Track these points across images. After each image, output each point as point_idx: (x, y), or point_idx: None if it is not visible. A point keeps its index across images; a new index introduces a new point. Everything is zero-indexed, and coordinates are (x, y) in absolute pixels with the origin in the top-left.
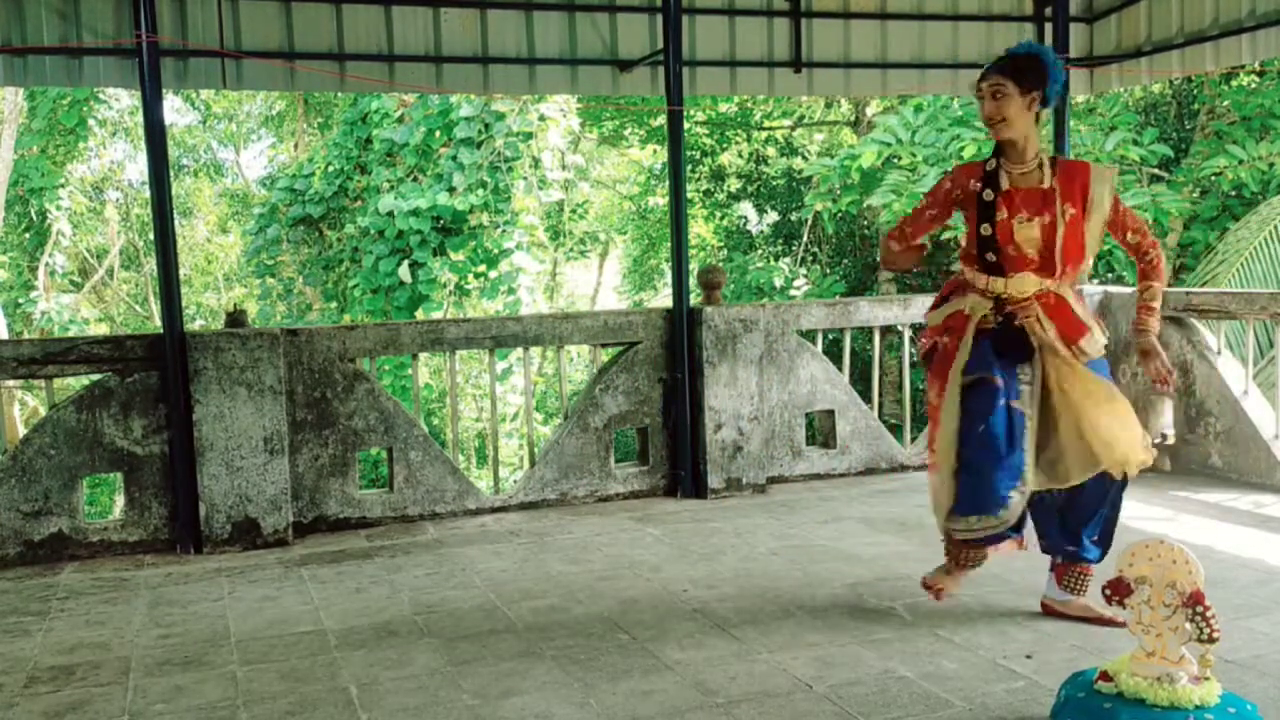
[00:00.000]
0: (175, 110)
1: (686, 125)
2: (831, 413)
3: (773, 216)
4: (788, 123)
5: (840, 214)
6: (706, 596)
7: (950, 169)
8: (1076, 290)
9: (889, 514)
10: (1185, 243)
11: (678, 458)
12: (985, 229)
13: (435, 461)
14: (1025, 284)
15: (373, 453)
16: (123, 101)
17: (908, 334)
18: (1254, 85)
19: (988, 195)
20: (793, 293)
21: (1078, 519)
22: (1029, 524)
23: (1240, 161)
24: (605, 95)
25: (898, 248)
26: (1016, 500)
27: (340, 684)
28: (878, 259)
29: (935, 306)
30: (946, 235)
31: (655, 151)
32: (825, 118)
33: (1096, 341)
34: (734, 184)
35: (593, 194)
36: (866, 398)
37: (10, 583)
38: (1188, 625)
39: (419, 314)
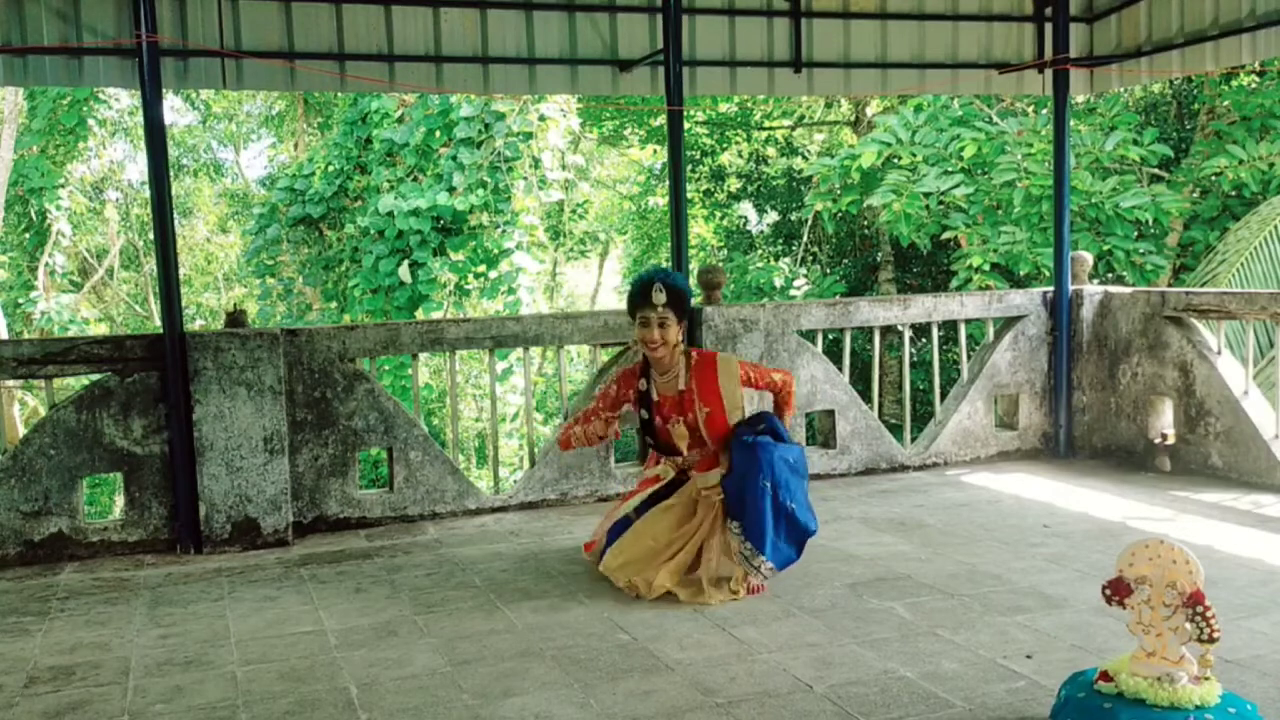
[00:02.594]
0: (175, 110)
1: (686, 125)
2: (831, 413)
3: (773, 216)
4: (788, 123)
5: (840, 214)
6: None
7: (617, 372)
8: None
9: (889, 514)
10: (1185, 243)
11: None
12: (649, 439)
13: (435, 461)
14: (691, 457)
15: (373, 453)
16: (123, 101)
17: (908, 334)
18: (1254, 85)
19: (644, 414)
20: (793, 293)
21: None
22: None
23: (1240, 161)
24: (605, 95)
25: (567, 444)
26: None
27: (340, 684)
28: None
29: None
30: (946, 235)
31: (655, 151)
32: (825, 118)
33: (711, 477)
34: (734, 184)
35: (593, 194)
36: (866, 398)
37: (10, 583)
38: (1188, 625)
39: (419, 314)
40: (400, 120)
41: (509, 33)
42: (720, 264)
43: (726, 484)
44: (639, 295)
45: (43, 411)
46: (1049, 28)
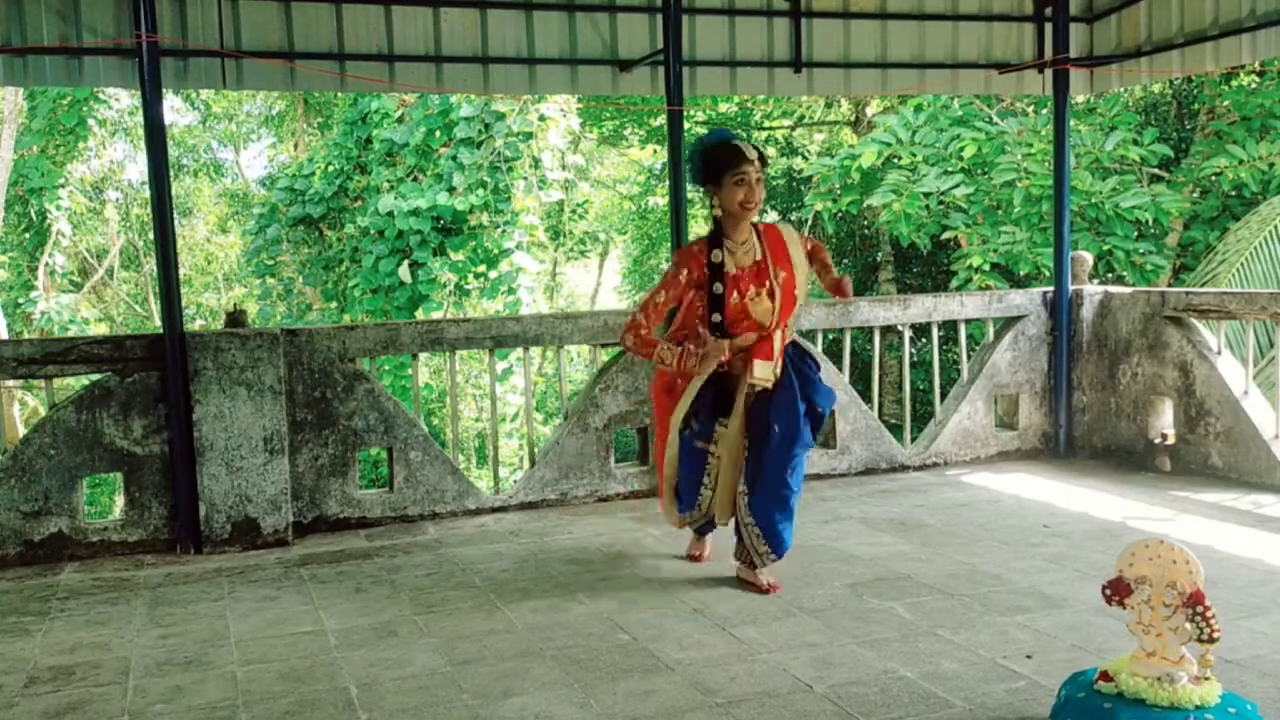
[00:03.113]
0: (175, 110)
1: (686, 125)
2: (831, 412)
3: (773, 216)
4: (788, 123)
5: (840, 214)
6: (706, 596)
7: (678, 256)
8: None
9: (889, 514)
10: (1185, 243)
11: None
12: (716, 317)
13: (435, 461)
14: (747, 340)
15: (373, 453)
16: (123, 101)
17: (908, 334)
18: (1254, 85)
19: (718, 288)
20: None
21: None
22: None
23: (1240, 161)
24: (605, 95)
25: (634, 343)
26: (703, 502)
27: (340, 684)
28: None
29: (648, 342)
30: (946, 235)
31: (655, 151)
32: (825, 118)
33: (764, 371)
34: None
35: (593, 194)
36: (866, 398)
37: (10, 583)
38: (1188, 625)
39: (419, 314)
40: (400, 120)
41: (509, 33)
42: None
43: (771, 423)
44: (730, 153)
45: (43, 411)
46: (1049, 28)
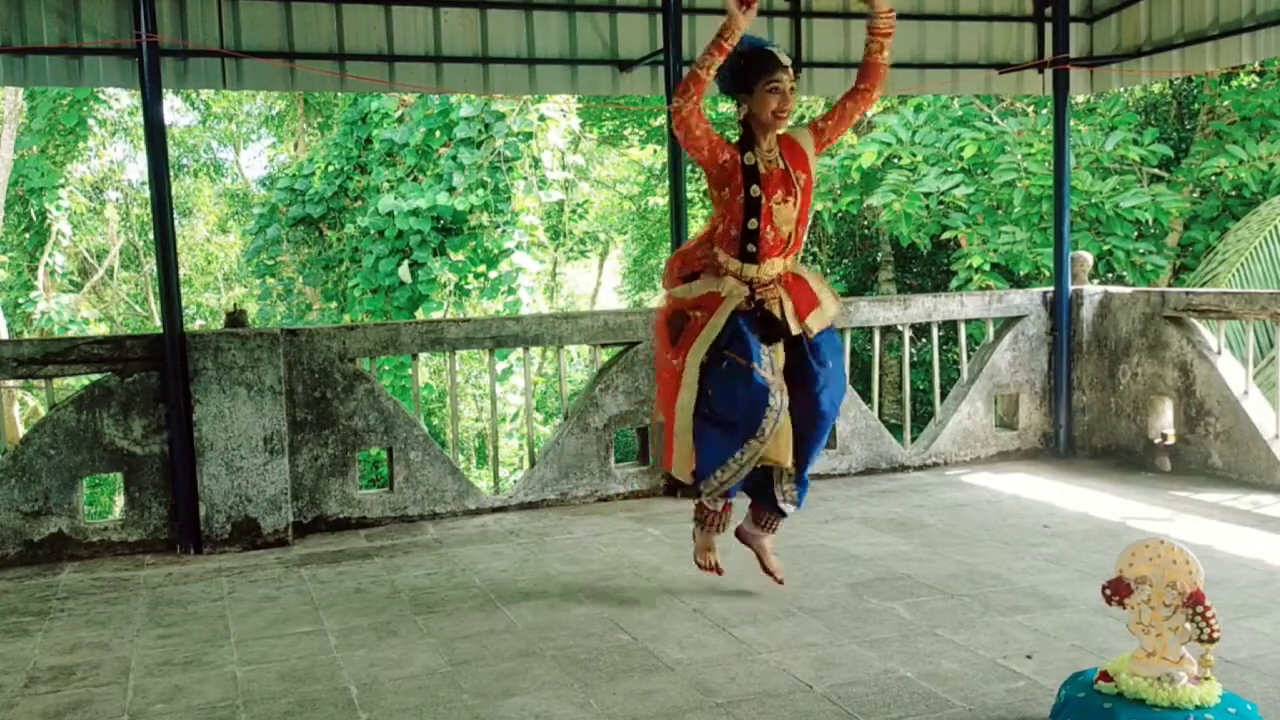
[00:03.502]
0: (175, 110)
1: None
2: None
3: None
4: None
5: (840, 214)
6: (706, 596)
7: (730, 141)
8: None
9: (889, 514)
10: (1185, 243)
11: None
12: (753, 223)
13: (435, 461)
14: (773, 268)
15: (373, 453)
16: (123, 101)
17: (908, 334)
18: (1254, 85)
19: (754, 191)
20: None
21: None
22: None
23: (1240, 161)
24: (605, 95)
25: (688, 101)
26: (759, 445)
27: (340, 684)
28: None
29: (678, 280)
30: (946, 235)
31: (655, 151)
32: None
33: (825, 314)
34: None
35: (593, 194)
36: (866, 398)
37: (10, 583)
38: (1188, 625)
39: (419, 314)
40: (400, 120)
41: (509, 33)
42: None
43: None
44: (765, 59)
45: (43, 411)
46: (1049, 28)
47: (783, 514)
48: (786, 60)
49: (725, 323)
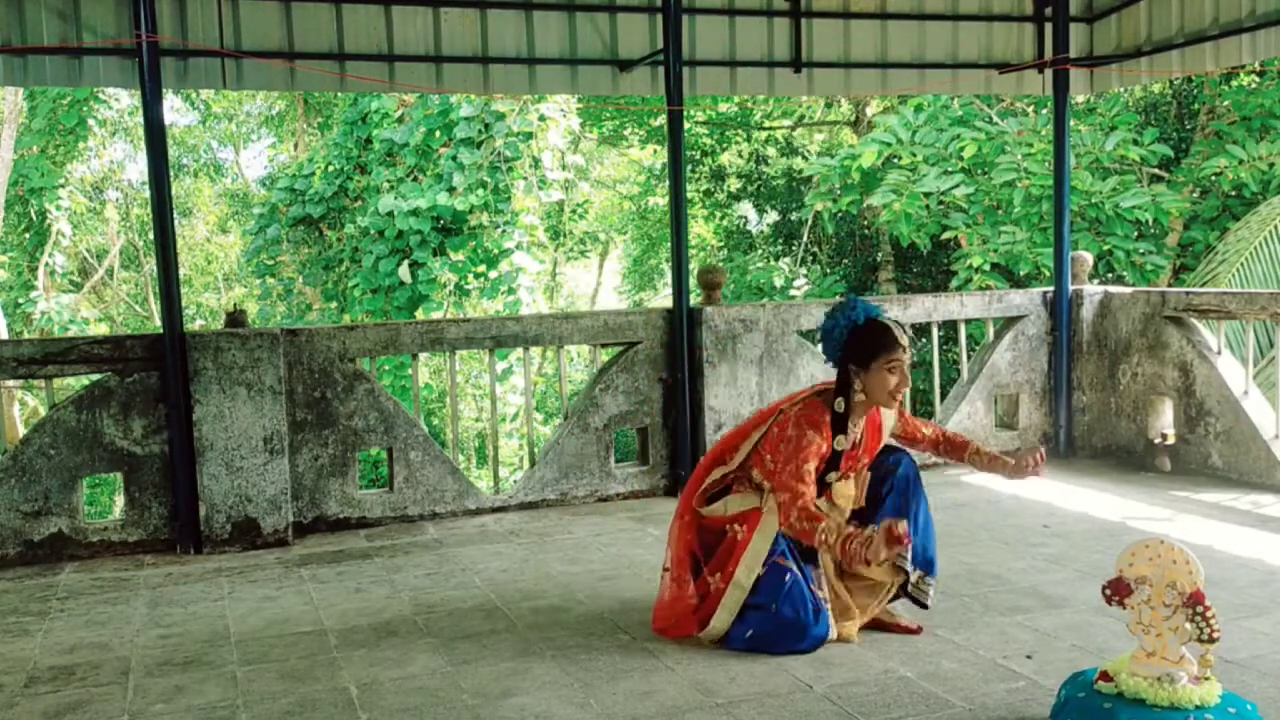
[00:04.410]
0: (175, 110)
1: (686, 125)
2: None
3: (773, 216)
4: (788, 123)
5: (840, 214)
6: None
7: (807, 423)
8: None
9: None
10: (1185, 243)
11: (678, 458)
12: (830, 477)
13: (435, 461)
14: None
15: (373, 453)
16: (123, 101)
17: (907, 334)
18: (1254, 85)
19: (831, 477)
20: (793, 293)
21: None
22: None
23: (1240, 161)
24: (605, 95)
25: (801, 518)
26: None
27: (340, 684)
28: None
29: (703, 499)
30: (946, 235)
31: (655, 151)
32: (825, 118)
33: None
34: (734, 184)
35: (593, 194)
36: None
37: (10, 583)
38: (1188, 625)
39: (419, 314)
40: (400, 120)
41: (509, 33)
42: (720, 264)
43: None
44: (888, 335)
45: (43, 411)
46: (1049, 28)
47: (916, 602)
48: (906, 339)
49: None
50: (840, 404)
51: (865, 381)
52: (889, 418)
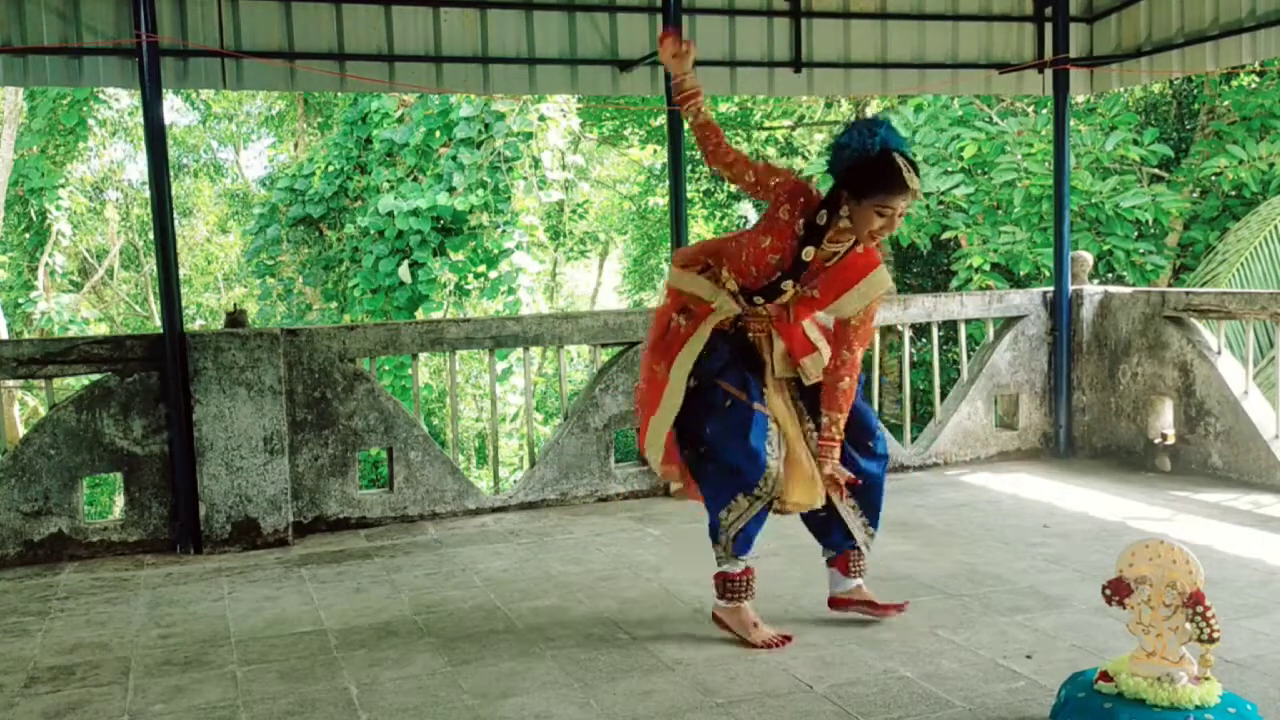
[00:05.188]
0: (175, 110)
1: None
2: None
3: None
4: (788, 123)
5: None
6: (707, 597)
7: (791, 189)
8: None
9: (889, 514)
10: (1185, 243)
11: None
12: (786, 285)
13: (435, 461)
14: (767, 310)
15: (373, 453)
16: (123, 101)
17: (907, 334)
18: (1254, 85)
19: (807, 253)
20: None
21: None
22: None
23: (1240, 161)
24: (605, 95)
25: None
26: (770, 474)
27: (340, 684)
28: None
29: (685, 265)
30: (946, 235)
31: (655, 151)
32: (825, 118)
33: (820, 361)
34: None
35: (593, 194)
36: (867, 398)
37: (10, 583)
38: (1188, 625)
39: (419, 314)
40: (400, 120)
41: (509, 33)
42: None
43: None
44: (893, 178)
45: (43, 411)
46: (1049, 28)
47: (856, 547)
48: (915, 182)
49: (709, 339)
50: (823, 217)
51: (853, 210)
52: (871, 283)
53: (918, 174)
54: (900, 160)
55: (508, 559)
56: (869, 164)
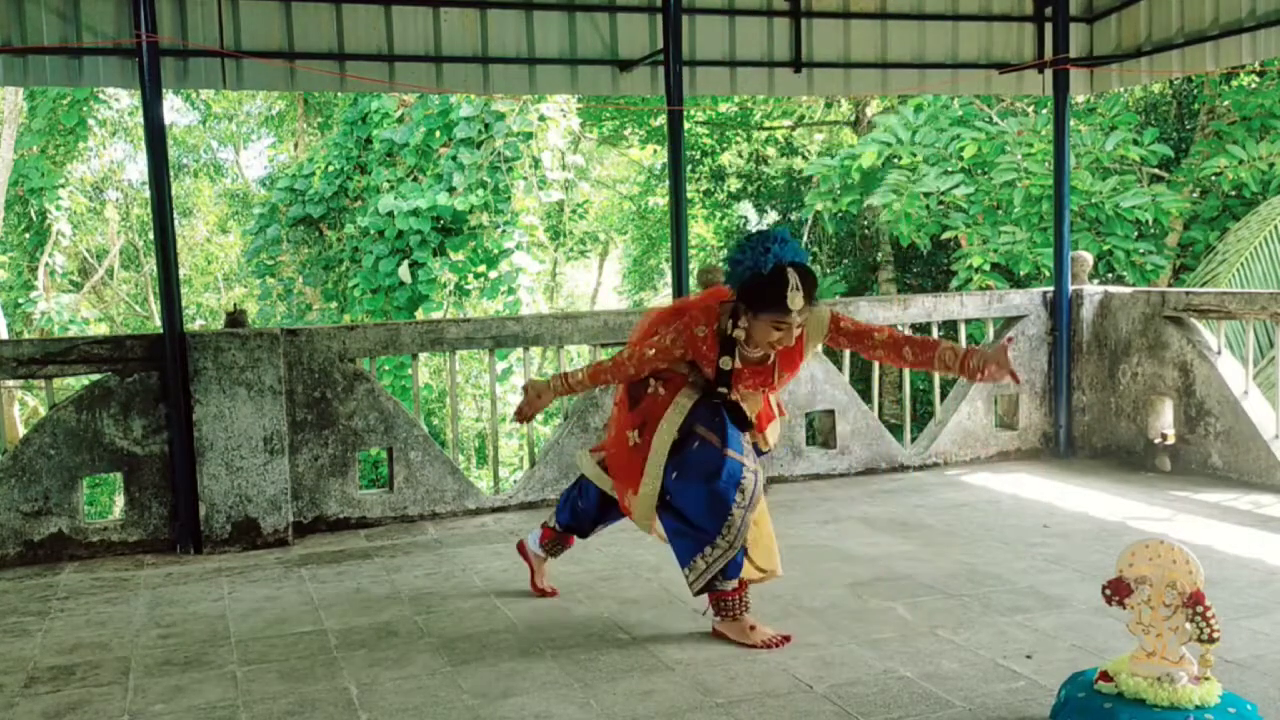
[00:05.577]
0: (175, 110)
1: (686, 125)
2: (831, 413)
3: (773, 216)
4: (788, 123)
5: (840, 214)
6: (706, 596)
7: (692, 319)
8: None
9: (889, 514)
10: (1185, 243)
11: None
12: (723, 390)
13: (435, 461)
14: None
15: (373, 453)
16: (122, 101)
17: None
18: (1254, 85)
19: (725, 363)
20: None
21: None
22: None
23: (1240, 161)
24: (605, 95)
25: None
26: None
27: (340, 684)
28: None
29: (652, 331)
30: (946, 235)
31: (655, 151)
32: (825, 118)
33: (778, 428)
34: (734, 184)
35: (593, 194)
36: (866, 398)
37: (10, 583)
38: (1188, 625)
39: (419, 314)
40: (400, 120)
41: (509, 33)
42: (720, 264)
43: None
44: (782, 298)
45: (43, 411)
46: (1049, 28)
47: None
48: (802, 302)
49: (692, 406)
50: (729, 326)
51: (750, 323)
52: (816, 329)
53: (814, 286)
54: (793, 277)
55: (508, 559)
56: (761, 281)
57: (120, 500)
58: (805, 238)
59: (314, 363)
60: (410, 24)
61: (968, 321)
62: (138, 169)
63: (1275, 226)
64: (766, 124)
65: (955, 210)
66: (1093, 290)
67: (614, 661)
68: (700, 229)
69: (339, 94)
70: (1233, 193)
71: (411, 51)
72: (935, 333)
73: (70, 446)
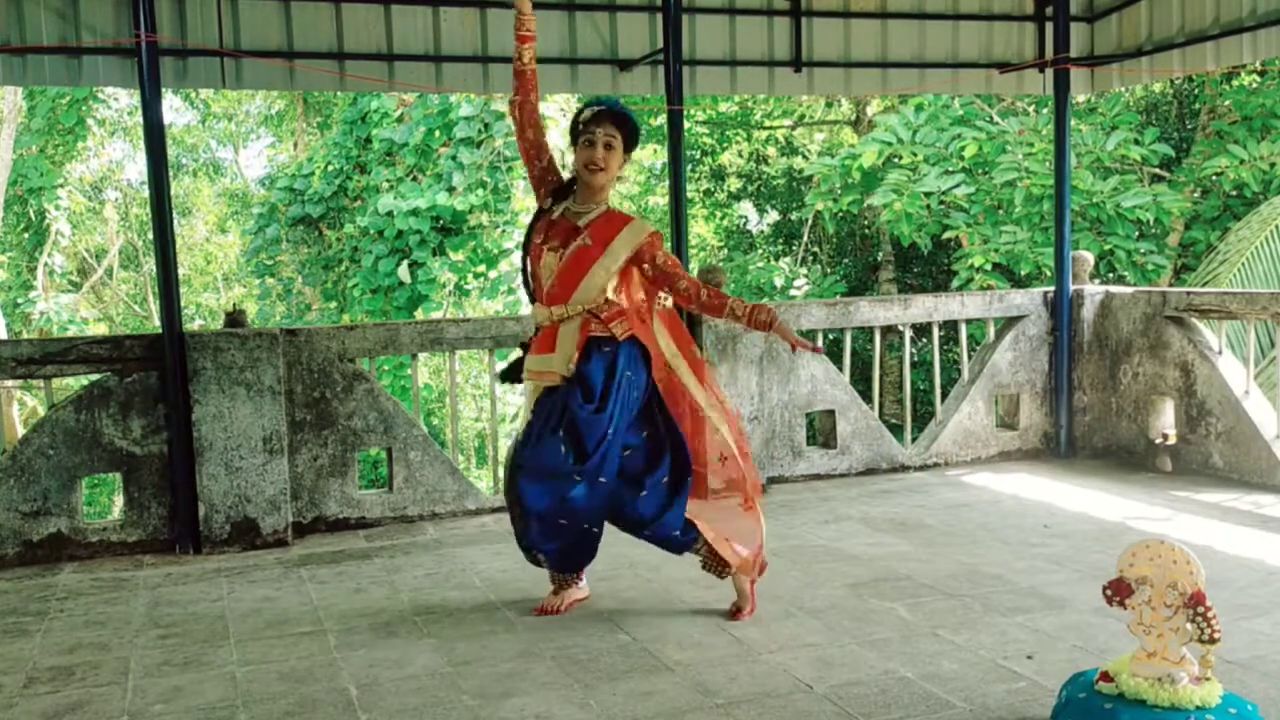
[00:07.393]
0: (175, 110)
1: (686, 125)
2: (832, 413)
3: (773, 216)
4: (788, 122)
5: (841, 213)
6: (707, 596)
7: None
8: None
9: (889, 514)
10: (1186, 242)
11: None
12: (525, 262)
13: (435, 461)
14: (538, 315)
15: (372, 453)
16: (122, 101)
17: (908, 334)
18: (1255, 85)
19: (546, 203)
20: (793, 293)
21: None
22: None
23: (1241, 161)
24: (605, 95)
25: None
26: None
27: (340, 684)
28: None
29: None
30: (947, 235)
31: (655, 151)
32: (825, 117)
33: (538, 364)
34: (734, 184)
35: None
36: (867, 398)
37: (10, 583)
38: (1189, 625)
39: (419, 314)
40: (400, 120)
41: (509, 32)
42: (720, 264)
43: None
44: (585, 114)
45: (42, 411)
46: (1049, 27)
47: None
48: (607, 117)
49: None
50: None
51: (576, 157)
52: (634, 231)
53: (627, 121)
54: (595, 101)
55: (508, 559)
56: (575, 116)
57: (119, 500)
58: (805, 237)
59: (313, 363)
60: (410, 23)
61: (968, 321)
62: (137, 168)
63: (1276, 226)
64: (767, 123)
65: (956, 210)
66: (1094, 290)
67: (614, 661)
68: (700, 229)
69: (338, 93)
70: (1234, 192)
71: (411, 51)
72: (936, 333)
73: (69, 446)
